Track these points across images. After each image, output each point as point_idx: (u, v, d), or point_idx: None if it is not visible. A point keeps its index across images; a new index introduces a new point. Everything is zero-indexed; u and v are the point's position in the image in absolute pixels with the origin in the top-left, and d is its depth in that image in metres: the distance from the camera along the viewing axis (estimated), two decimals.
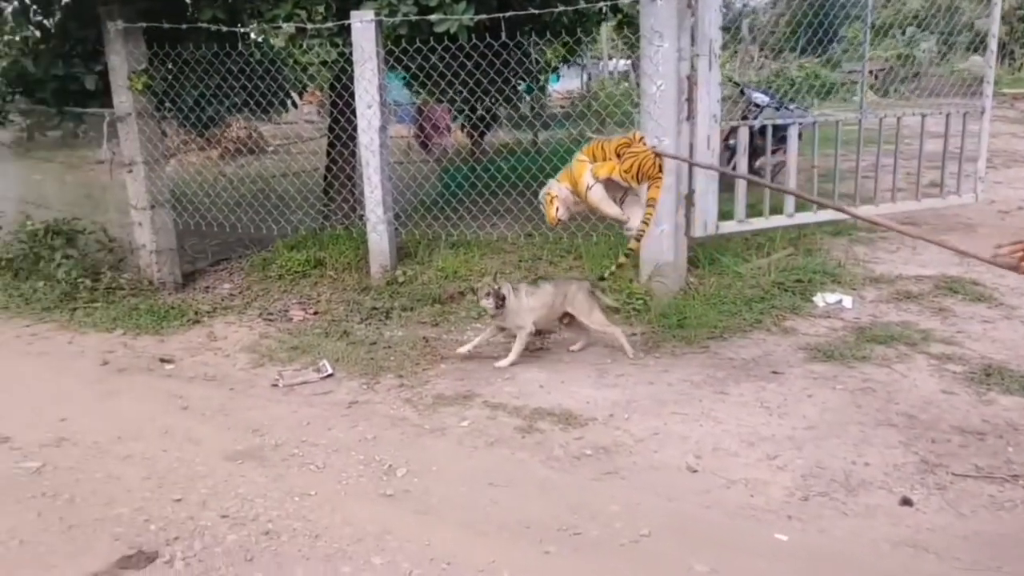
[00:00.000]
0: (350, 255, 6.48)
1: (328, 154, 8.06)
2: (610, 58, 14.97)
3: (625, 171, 4.17)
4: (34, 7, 6.74)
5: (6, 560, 2.80)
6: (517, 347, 4.57)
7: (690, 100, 5.00)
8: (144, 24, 6.19)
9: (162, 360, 4.92)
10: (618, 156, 4.20)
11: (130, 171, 6.52)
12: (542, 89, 11.22)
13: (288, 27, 5.88)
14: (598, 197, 4.24)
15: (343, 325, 5.40)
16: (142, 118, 6.38)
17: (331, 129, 7.89)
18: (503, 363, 4.57)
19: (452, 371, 4.56)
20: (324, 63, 5.79)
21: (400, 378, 4.49)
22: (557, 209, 4.33)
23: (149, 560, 2.79)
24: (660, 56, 4.85)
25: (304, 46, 5.84)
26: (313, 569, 2.75)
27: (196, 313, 5.81)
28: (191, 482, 3.36)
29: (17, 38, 6.81)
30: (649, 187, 4.25)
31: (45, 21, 6.90)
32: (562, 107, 13.44)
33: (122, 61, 6.25)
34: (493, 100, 8.10)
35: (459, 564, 2.78)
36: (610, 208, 4.29)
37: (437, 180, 8.72)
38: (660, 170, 4.23)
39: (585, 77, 15.49)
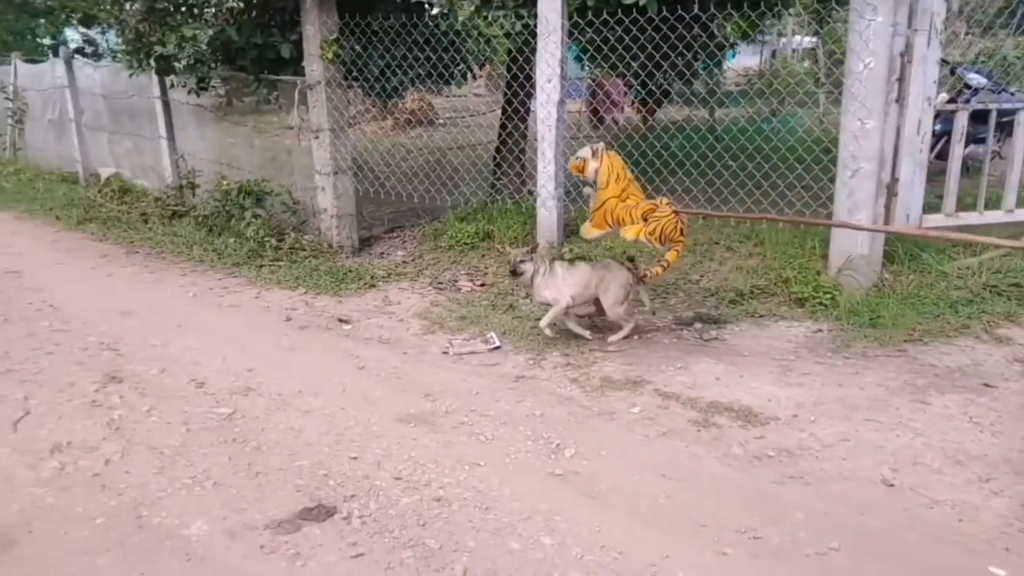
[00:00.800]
0: (517, 229, 6.47)
1: (500, 128, 8.10)
2: (793, 34, 14.07)
3: (650, 233, 4.52)
4: None
5: (202, 499, 2.97)
6: (549, 314, 4.63)
7: (901, 80, 4.53)
8: None
9: (340, 320, 5.12)
10: (644, 220, 4.52)
11: (316, 137, 6.82)
12: (718, 65, 10.72)
13: None
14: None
15: (509, 299, 5.40)
16: (330, 86, 6.64)
17: (508, 103, 7.91)
18: (544, 322, 4.63)
19: (619, 354, 4.43)
20: (508, 35, 5.76)
21: (566, 356, 4.41)
22: (585, 175, 4.73)
23: (328, 514, 2.87)
24: (871, 31, 4.42)
25: (489, 17, 5.84)
26: (483, 541, 2.73)
27: (372, 278, 6.01)
28: (367, 441, 3.45)
29: (224, 9, 7.25)
30: (669, 249, 4.56)
31: None
32: (737, 85, 12.82)
33: (315, 31, 6.51)
34: (669, 75, 7.80)
35: (630, 555, 2.67)
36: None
37: None
38: (681, 233, 4.52)
39: (766, 54, 14.66)
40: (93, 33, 17.38)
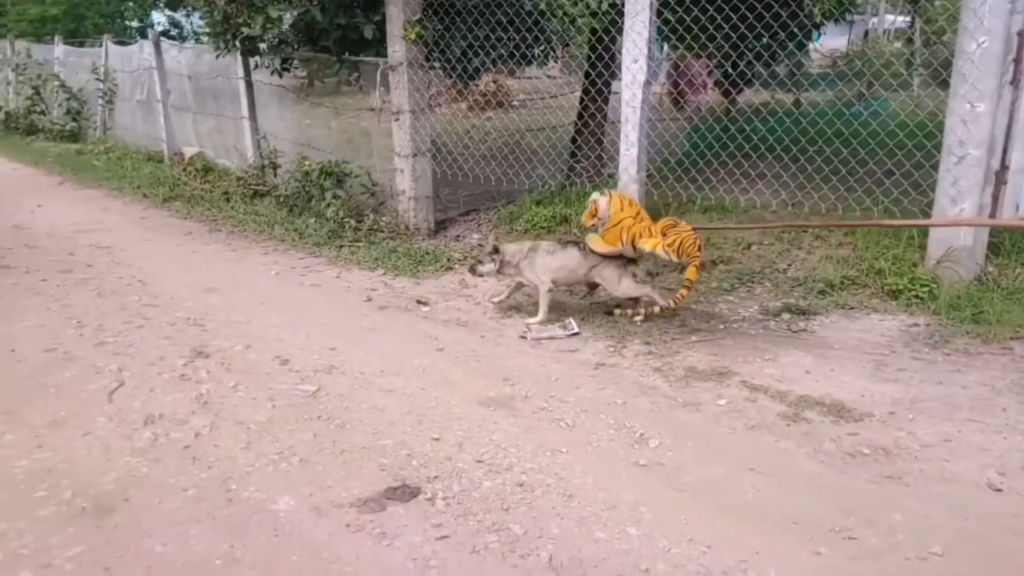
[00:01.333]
0: None
1: (580, 109, 7.99)
2: (885, 12, 13.46)
3: (668, 245, 4.49)
4: None
5: (288, 475, 3.01)
6: (542, 304, 4.75)
7: (1018, 60, 4.25)
8: None
9: (419, 302, 5.13)
10: (663, 234, 4.55)
11: (397, 119, 6.84)
12: (802, 46, 10.34)
13: None
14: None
15: None
16: (412, 68, 6.64)
17: (588, 84, 7.80)
18: (533, 321, 4.70)
19: (704, 344, 4.31)
20: (594, 14, 5.64)
21: (647, 345, 4.32)
22: (594, 225, 4.69)
23: (412, 495, 2.87)
24: (987, 8, 4.15)
25: None
26: (568, 529, 2.69)
27: (449, 260, 6.01)
28: (448, 423, 3.43)
29: None
30: (688, 266, 4.56)
31: None
32: (822, 67, 12.35)
33: (399, 11, 6.51)
34: (756, 57, 7.55)
35: (719, 550, 2.58)
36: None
37: (686, 139, 8.34)
38: (699, 250, 4.53)
39: (854, 35, 14.09)
40: (178, 16, 17.92)
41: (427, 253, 6.17)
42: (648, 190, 5.96)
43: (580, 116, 7.71)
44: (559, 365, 4.09)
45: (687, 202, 6.05)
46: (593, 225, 4.70)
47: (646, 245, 4.53)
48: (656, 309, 4.63)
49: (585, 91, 7.76)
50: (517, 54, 6.85)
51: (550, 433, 3.36)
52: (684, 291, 4.56)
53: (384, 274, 5.77)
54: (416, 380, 3.90)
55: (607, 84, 7.11)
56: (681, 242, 4.48)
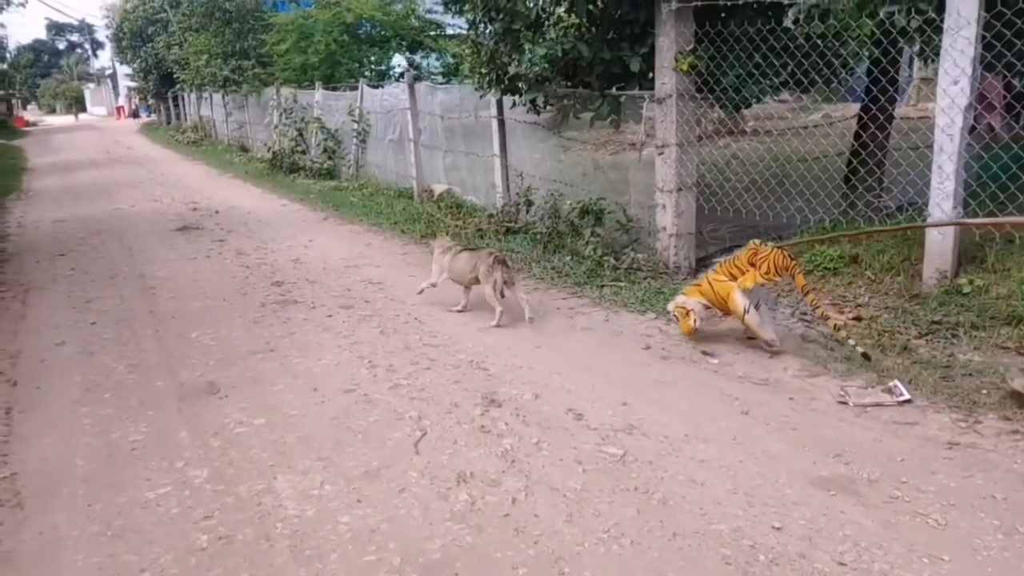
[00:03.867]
0: (893, 253, 5.65)
1: (856, 137, 7.25)
2: None
3: (764, 273, 4.64)
4: None
5: (622, 560, 2.70)
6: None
7: None
8: (698, 3, 6.06)
9: (704, 353, 4.71)
10: (752, 265, 4.69)
11: (661, 153, 6.51)
12: None
13: None
14: (753, 321, 4.66)
15: (898, 338, 4.63)
16: (683, 100, 6.30)
17: (865, 109, 7.07)
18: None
19: None
20: (903, 32, 4.99)
21: (1009, 421, 3.59)
22: (695, 321, 4.81)
23: None
24: None
25: (879, 14, 5.12)
26: None
27: None
28: (784, 508, 2.98)
29: (570, 25, 7.23)
30: (793, 277, 4.72)
31: (593, 7, 7.20)
32: None
33: (671, 42, 6.21)
34: None
35: None
36: (763, 332, 4.68)
37: (982, 167, 7.27)
38: (791, 259, 4.72)
39: None
40: (417, 58, 18.99)
41: None
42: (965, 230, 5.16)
43: (856, 144, 6.97)
44: (899, 441, 3.49)
45: (1009, 242, 5.17)
46: (695, 322, 4.83)
47: (747, 283, 4.65)
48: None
49: (863, 116, 7.01)
50: (792, 81, 6.29)
51: (917, 532, 2.80)
52: (811, 296, 4.71)
53: (656, 318, 5.42)
54: (729, 450, 3.48)
55: (885, 109, 6.35)
56: (772, 263, 4.64)
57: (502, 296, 5.34)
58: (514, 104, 8.10)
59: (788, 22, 5.72)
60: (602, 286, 6.21)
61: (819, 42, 6.03)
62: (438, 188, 10.39)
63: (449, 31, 18.66)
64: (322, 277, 6.98)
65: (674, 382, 4.32)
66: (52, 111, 74.94)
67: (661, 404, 4.00)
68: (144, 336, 5.50)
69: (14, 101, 53.68)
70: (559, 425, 3.76)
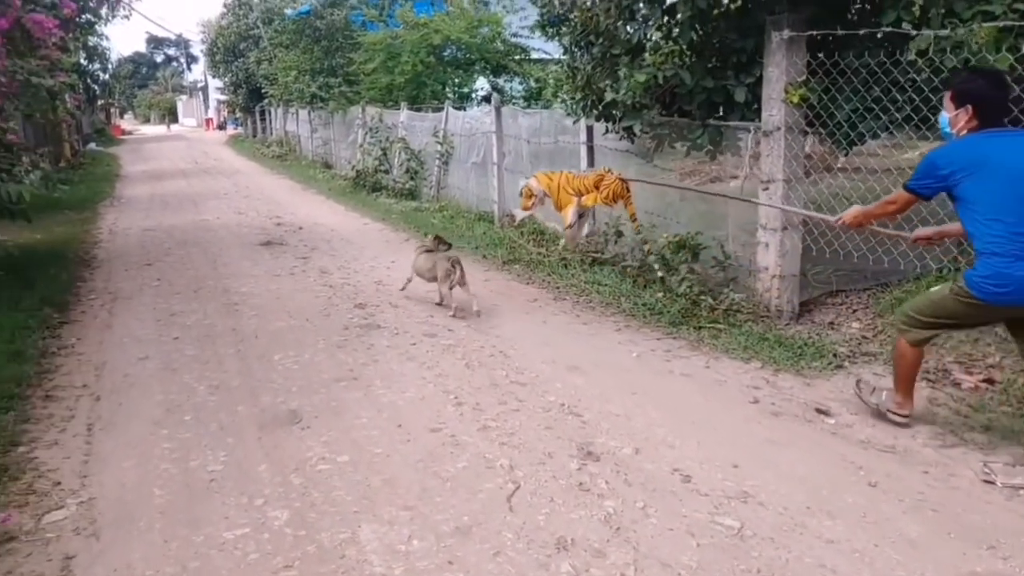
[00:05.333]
0: None
1: None
2: None
3: (604, 198, 6.11)
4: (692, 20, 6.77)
5: None
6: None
7: None
8: (812, 33, 5.70)
9: (819, 411, 4.31)
10: (596, 188, 6.04)
11: (766, 188, 6.13)
12: None
13: (993, 25, 4.77)
14: (570, 234, 6.82)
15: None
16: (791, 133, 5.92)
17: None
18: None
19: None
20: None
21: None
22: (533, 204, 6.69)
23: None
24: None
25: (1022, 48, 4.68)
26: None
27: (835, 356, 5.12)
28: None
29: (670, 52, 6.94)
30: (625, 205, 6.39)
31: (696, 34, 6.90)
32: None
33: (780, 73, 5.85)
34: None
35: None
36: (573, 243, 7.16)
37: None
38: (627, 191, 6.11)
39: None
40: (500, 81, 18.94)
41: (806, 344, 5.32)
42: None
43: None
44: None
45: None
46: (532, 205, 6.74)
47: (588, 202, 5.94)
48: None
49: None
50: (917, 119, 5.83)
51: None
52: (636, 224, 6.67)
53: (761, 367, 5.03)
54: (860, 530, 3.09)
55: None
56: (612, 191, 5.91)
57: (450, 289, 6.26)
58: (607, 131, 7.82)
59: (912, 54, 5.32)
60: (699, 328, 5.84)
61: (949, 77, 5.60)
62: (520, 214, 10.17)
63: (533, 55, 18.58)
64: (404, 301, 6.81)
65: (788, 443, 3.93)
66: (147, 120, 78.40)
67: (776, 468, 3.63)
68: (226, 355, 5.39)
69: (113, 110, 56.25)
70: (665, 487, 3.43)
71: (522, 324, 6.10)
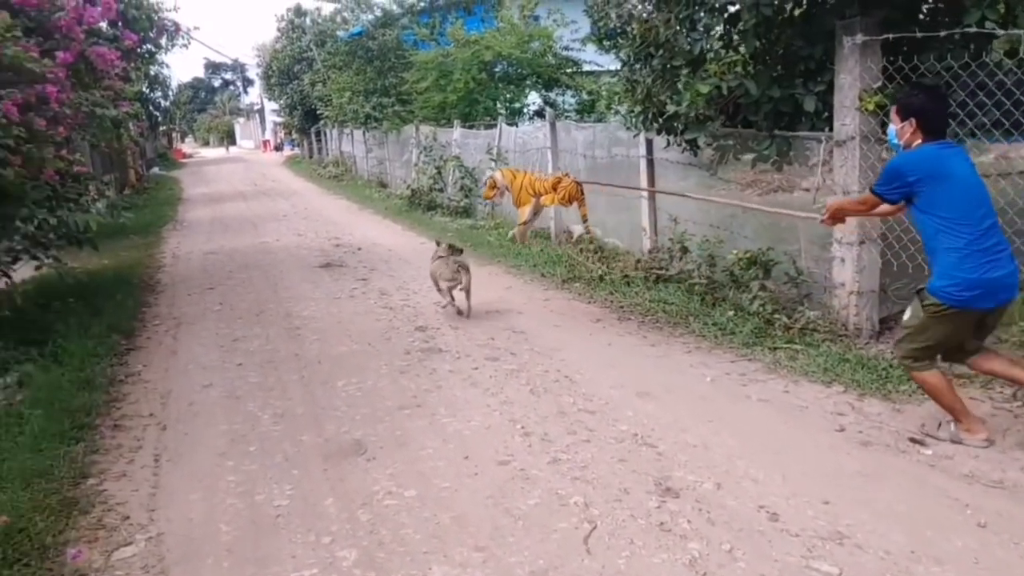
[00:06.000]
0: None
1: None
2: None
3: (561, 199, 7.08)
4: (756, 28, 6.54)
5: None
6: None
7: None
8: (887, 36, 5.42)
9: (913, 441, 4.02)
10: (554, 189, 7.02)
11: None
12: None
13: None
14: (519, 231, 8.01)
15: None
16: (867, 142, 5.64)
17: None
18: None
19: None
20: None
21: None
22: (494, 195, 7.79)
23: None
24: None
25: None
26: None
27: None
28: None
29: (733, 61, 6.72)
30: (579, 206, 7.46)
31: (759, 42, 6.66)
32: None
33: (854, 79, 5.59)
34: None
35: None
36: (522, 236, 8.43)
37: None
38: (582, 193, 7.27)
39: None
40: (552, 95, 18.83)
41: (891, 365, 5.01)
42: None
43: None
44: None
45: None
46: (493, 196, 7.65)
47: (546, 202, 6.83)
48: None
49: None
50: (1008, 124, 5.50)
51: None
52: (588, 224, 7.64)
53: (844, 392, 4.75)
54: None
55: None
56: (568, 192, 6.74)
57: (450, 290, 6.84)
58: (668, 144, 7.61)
59: (998, 54, 5.02)
60: (774, 348, 5.58)
61: None
62: (577, 229, 10.00)
63: (585, 67, 18.44)
64: (464, 323, 6.69)
65: (883, 477, 3.66)
66: (206, 143, 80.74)
67: (872, 506, 3.37)
68: (289, 382, 5.34)
69: (174, 135, 58.03)
70: (752, 527, 3.21)
71: (586, 346, 5.92)
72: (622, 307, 6.97)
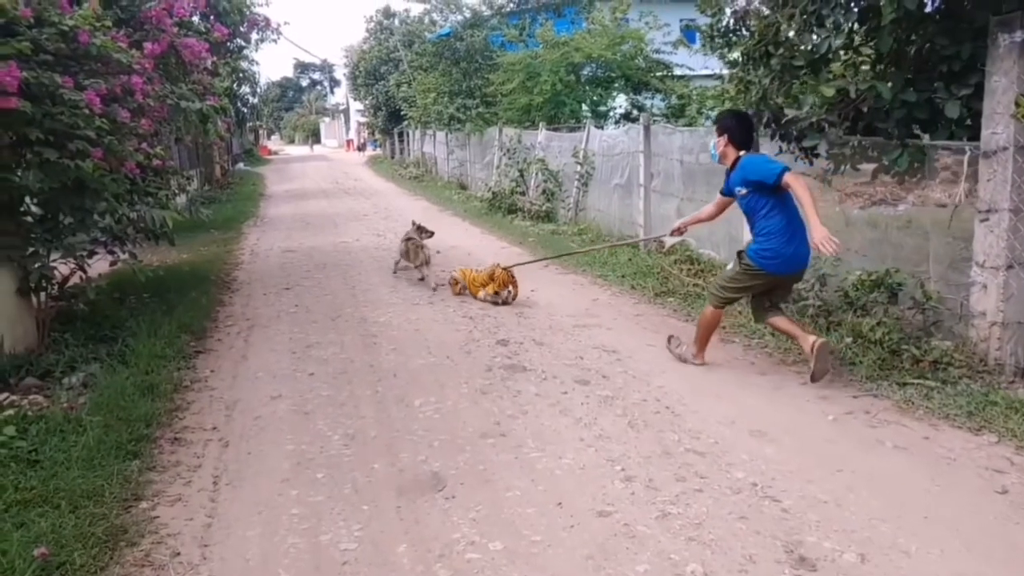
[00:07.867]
0: None
1: None
2: None
3: (498, 286, 7.44)
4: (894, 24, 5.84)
5: None
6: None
7: None
8: None
9: None
10: (491, 279, 7.49)
11: (985, 219, 5.12)
12: None
13: None
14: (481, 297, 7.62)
15: None
16: (1022, 153, 4.90)
17: None
18: None
19: None
20: None
21: None
22: (459, 291, 7.86)
23: None
24: None
25: None
26: None
27: None
28: None
29: (862, 60, 6.04)
30: (513, 288, 7.50)
31: (897, 40, 5.96)
32: None
33: (1010, 82, 4.86)
34: None
35: None
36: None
37: None
38: (512, 277, 7.49)
39: None
40: (640, 98, 18.18)
41: None
42: None
43: None
44: None
45: None
46: (458, 292, 7.89)
47: (490, 289, 7.47)
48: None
49: None
50: None
51: None
52: (514, 289, 7.54)
53: (998, 442, 4.05)
54: None
55: None
56: (501, 281, 7.41)
57: (416, 266, 8.49)
58: (780, 151, 6.94)
59: None
60: (903, 384, 4.89)
61: None
62: (669, 240, 9.38)
63: (676, 71, 17.77)
64: (549, 338, 6.21)
65: None
66: (291, 141, 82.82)
67: None
68: (362, 397, 4.96)
69: (260, 131, 59.56)
70: None
71: (686, 372, 5.35)
72: (723, 328, 6.34)
